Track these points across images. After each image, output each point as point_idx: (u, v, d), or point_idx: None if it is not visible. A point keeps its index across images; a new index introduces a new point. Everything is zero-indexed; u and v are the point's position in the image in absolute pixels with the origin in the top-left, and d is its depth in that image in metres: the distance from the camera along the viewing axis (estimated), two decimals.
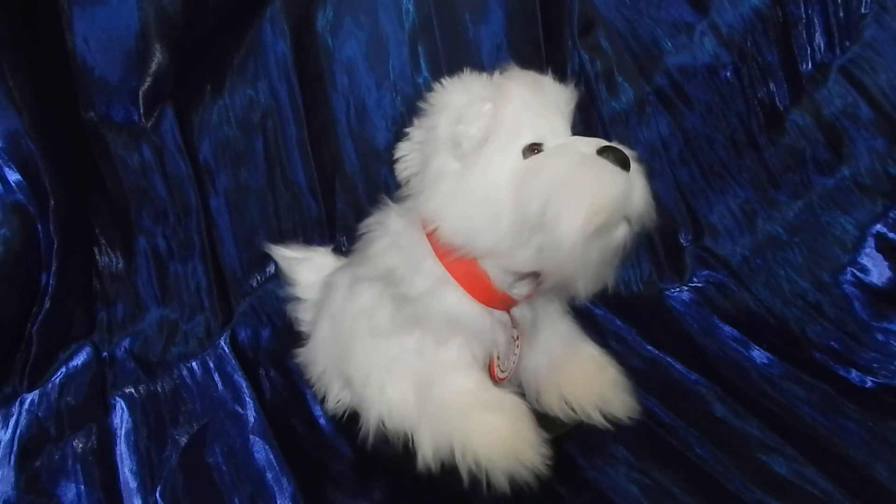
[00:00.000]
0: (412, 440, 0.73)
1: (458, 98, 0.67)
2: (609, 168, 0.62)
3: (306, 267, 0.97)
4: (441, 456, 0.70)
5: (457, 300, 0.70)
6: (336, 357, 0.81)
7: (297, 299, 0.96)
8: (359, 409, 0.78)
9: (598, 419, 0.77)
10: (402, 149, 0.72)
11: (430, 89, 0.71)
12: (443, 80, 0.70)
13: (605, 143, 0.65)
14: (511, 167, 0.64)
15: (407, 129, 0.73)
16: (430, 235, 0.68)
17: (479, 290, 0.70)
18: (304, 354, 0.88)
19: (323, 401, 0.85)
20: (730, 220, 1.12)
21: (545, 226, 0.60)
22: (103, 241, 1.00)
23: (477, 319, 0.71)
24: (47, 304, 0.90)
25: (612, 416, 0.78)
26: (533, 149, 0.65)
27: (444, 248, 0.67)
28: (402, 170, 0.73)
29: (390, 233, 0.73)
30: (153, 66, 0.93)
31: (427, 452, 0.70)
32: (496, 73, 0.69)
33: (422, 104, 0.70)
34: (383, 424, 0.75)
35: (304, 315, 0.95)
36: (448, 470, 0.70)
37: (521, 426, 0.69)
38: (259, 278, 1.07)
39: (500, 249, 0.65)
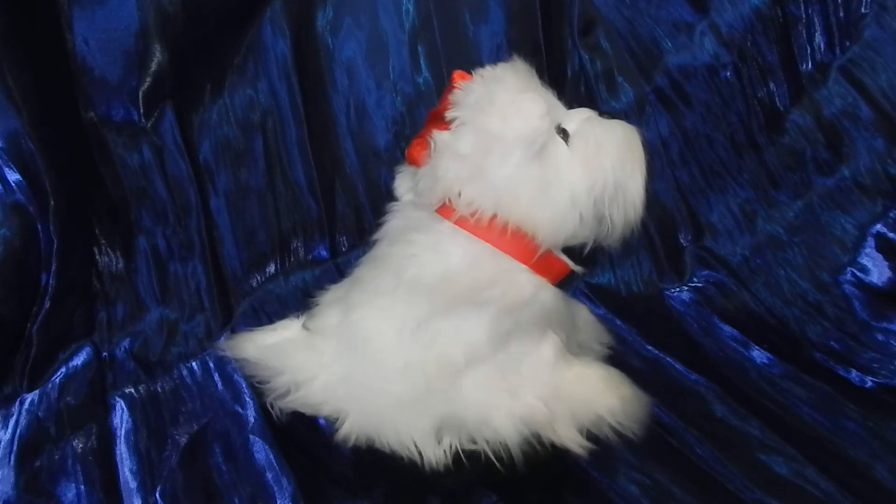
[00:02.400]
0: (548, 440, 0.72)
1: (501, 94, 0.68)
2: (627, 127, 0.73)
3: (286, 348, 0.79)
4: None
5: (552, 293, 0.72)
6: (421, 414, 0.71)
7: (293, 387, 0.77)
8: (468, 443, 0.72)
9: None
10: (443, 166, 0.68)
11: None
12: (461, 83, 0.71)
13: (594, 110, 0.73)
14: (565, 149, 0.69)
15: (430, 141, 0.70)
16: (496, 236, 0.68)
17: (554, 272, 0.73)
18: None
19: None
20: (730, 220, 1.12)
21: (616, 193, 0.69)
22: (103, 241, 0.99)
23: (560, 303, 0.74)
24: (47, 304, 0.90)
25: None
26: (560, 130, 0.70)
27: (521, 244, 0.69)
28: (445, 182, 0.68)
29: (453, 254, 0.69)
30: (153, 66, 0.93)
31: (576, 441, 0.72)
32: (483, 70, 0.72)
33: (449, 111, 0.70)
34: (529, 442, 0.71)
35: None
36: (448, 469, 0.70)
37: (622, 378, 0.76)
38: (259, 278, 1.07)
39: (580, 229, 0.69)
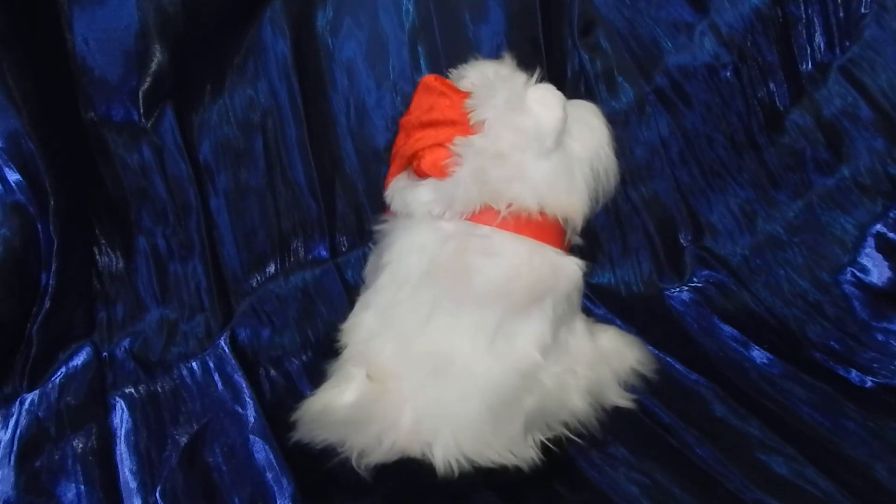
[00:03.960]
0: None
1: (526, 90, 0.72)
2: (588, 102, 0.82)
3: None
4: None
5: (576, 267, 0.74)
6: (511, 418, 0.71)
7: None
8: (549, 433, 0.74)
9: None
10: (484, 170, 0.69)
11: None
12: (470, 85, 0.74)
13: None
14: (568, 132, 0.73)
15: (453, 148, 0.70)
16: (535, 229, 0.71)
17: (568, 249, 0.76)
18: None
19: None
20: (730, 220, 1.12)
21: (605, 164, 0.75)
22: (103, 241, 0.99)
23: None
24: (47, 304, 0.90)
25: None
26: None
27: (554, 231, 0.72)
28: (489, 186, 0.69)
29: (507, 255, 0.70)
30: (153, 66, 0.93)
31: (624, 397, 0.81)
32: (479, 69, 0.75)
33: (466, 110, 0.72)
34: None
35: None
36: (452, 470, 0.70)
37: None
38: (259, 278, 1.07)
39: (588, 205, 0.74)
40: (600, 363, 0.78)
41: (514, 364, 0.69)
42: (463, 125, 0.72)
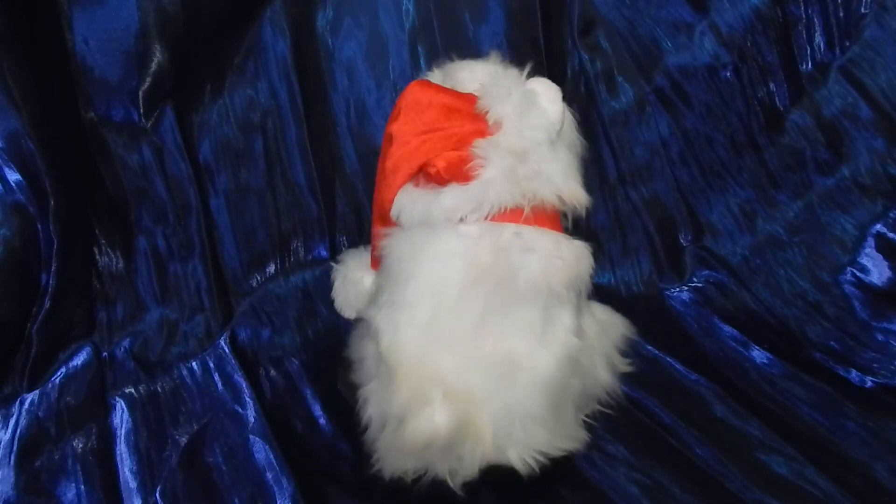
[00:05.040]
0: None
1: (533, 87, 0.73)
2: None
3: None
4: None
5: (588, 250, 0.76)
6: (567, 406, 0.74)
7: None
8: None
9: None
10: (516, 169, 0.70)
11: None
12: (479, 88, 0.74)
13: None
14: None
15: (475, 151, 0.70)
16: (551, 220, 0.73)
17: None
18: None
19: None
20: (730, 220, 1.12)
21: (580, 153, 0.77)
22: (103, 241, 0.99)
23: None
24: (47, 304, 0.90)
25: None
26: None
27: (558, 218, 0.74)
28: (522, 184, 0.70)
29: (540, 249, 0.70)
30: (153, 66, 0.93)
31: (625, 362, 0.86)
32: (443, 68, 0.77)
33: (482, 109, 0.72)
34: None
35: None
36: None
37: None
38: (259, 278, 1.07)
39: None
40: (602, 335, 0.81)
41: (562, 353, 0.71)
42: (472, 126, 0.72)
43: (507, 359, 0.69)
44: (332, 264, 0.90)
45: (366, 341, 0.76)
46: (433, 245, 0.71)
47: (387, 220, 0.75)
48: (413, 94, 0.74)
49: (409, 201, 0.73)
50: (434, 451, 0.68)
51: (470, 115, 0.72)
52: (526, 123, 0.70)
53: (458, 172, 0.70)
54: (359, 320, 0.80)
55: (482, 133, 0.71)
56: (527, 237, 0.70)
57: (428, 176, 0.72)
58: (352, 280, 0.84)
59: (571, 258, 0.71)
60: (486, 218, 0.70)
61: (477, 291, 0.69)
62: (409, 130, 0.74)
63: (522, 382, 0.69)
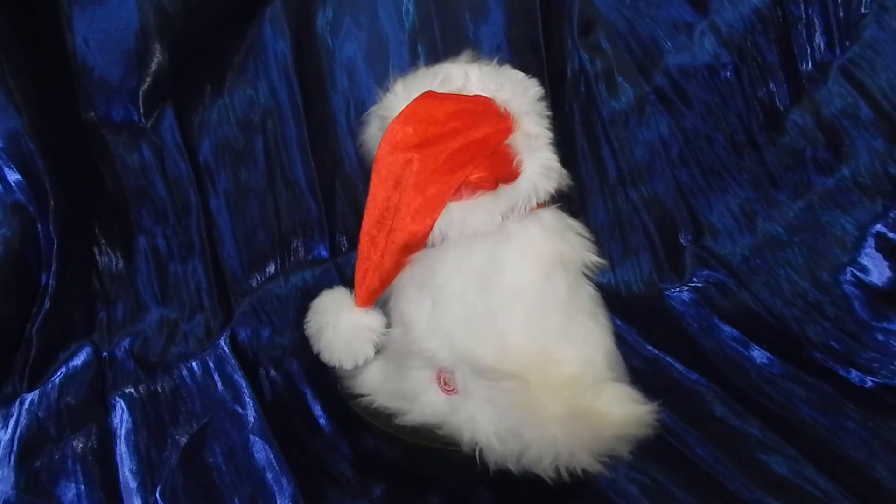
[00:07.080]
0: None
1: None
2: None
3: None
4: None
5: None
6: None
7: None
8: None
9: None
10: (552, 159, 0.73)
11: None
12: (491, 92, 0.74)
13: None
14: None
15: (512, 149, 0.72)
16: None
17: None
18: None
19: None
20: (730, 220, 1.12)
21: None
22: (103, 241, 1.00)
23: None
24: (47, 304, 0.90)
25: None
26: None
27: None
28: (559, 175, 0.74)
29: (557, 229, 0.73)
30: (153, 66, 0.93)
31: None
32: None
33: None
34: None
35: None
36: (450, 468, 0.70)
37: None
38: (259, 278, 1.07)
39: None
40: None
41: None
42: (494, 126, 0.71)
43: (589, 337, 0.72)
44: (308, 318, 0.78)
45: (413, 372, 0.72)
46: (500, 248, 0.70)
47: (411, 249, 0.70)
48: (423, 110, 0.70)
49: (459, 216, 0.69)
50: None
51: (486, 115, 0.71)
52: (536, 114, 0.73)
53: (508, 172, 0.70)
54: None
55: (507, 130, 0.72)
56: (547, 220, 0.73)
57: (474, 185, 0.70)
58: (347, 325, 0.74)
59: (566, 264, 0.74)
60: (529, 210, 0.71)
61: (554, 280, 0.71)
62: (434, 151, 0.69)
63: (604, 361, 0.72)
